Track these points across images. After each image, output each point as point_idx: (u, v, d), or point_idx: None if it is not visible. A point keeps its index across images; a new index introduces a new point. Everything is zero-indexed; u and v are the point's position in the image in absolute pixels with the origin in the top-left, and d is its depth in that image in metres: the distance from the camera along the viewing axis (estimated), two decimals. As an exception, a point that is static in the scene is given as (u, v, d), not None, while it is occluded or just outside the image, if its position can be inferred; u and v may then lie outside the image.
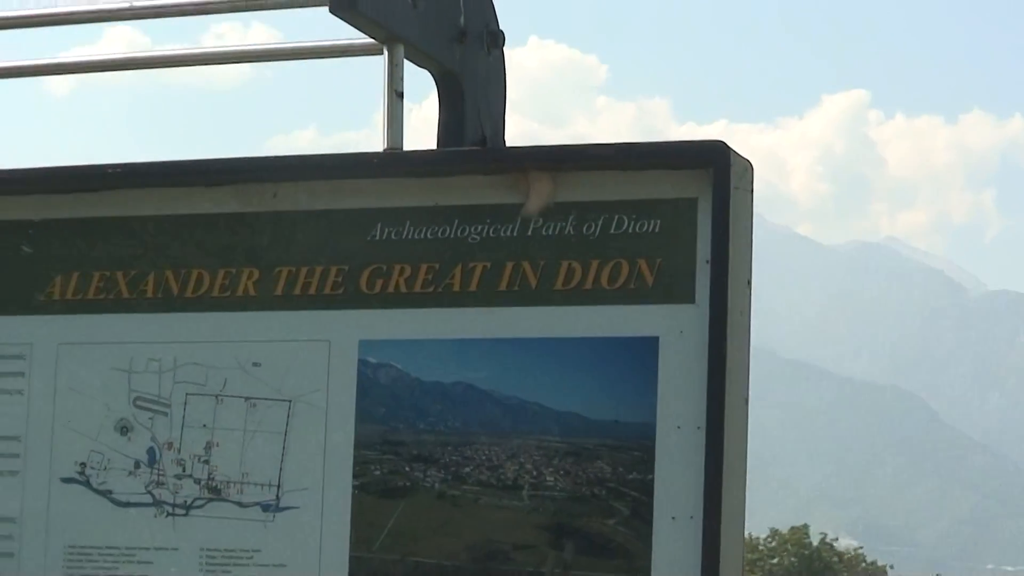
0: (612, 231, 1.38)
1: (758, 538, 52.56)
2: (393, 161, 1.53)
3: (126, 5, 1.52)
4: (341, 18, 1.42)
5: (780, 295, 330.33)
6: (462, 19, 1.59)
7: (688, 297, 1.35)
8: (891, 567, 59.75)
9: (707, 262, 1.34)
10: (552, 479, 1.37)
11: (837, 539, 57.11)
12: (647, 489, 1.33)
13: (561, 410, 1.39)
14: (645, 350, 1.37)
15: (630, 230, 1.38)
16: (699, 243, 1.36)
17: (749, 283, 1.42)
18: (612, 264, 1.39)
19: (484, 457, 1.41)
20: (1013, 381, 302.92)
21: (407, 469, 1.40)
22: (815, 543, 51.40)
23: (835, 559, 51.91)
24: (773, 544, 51.31)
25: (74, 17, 1.61)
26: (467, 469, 1.39)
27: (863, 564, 54.97)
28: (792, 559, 49.89)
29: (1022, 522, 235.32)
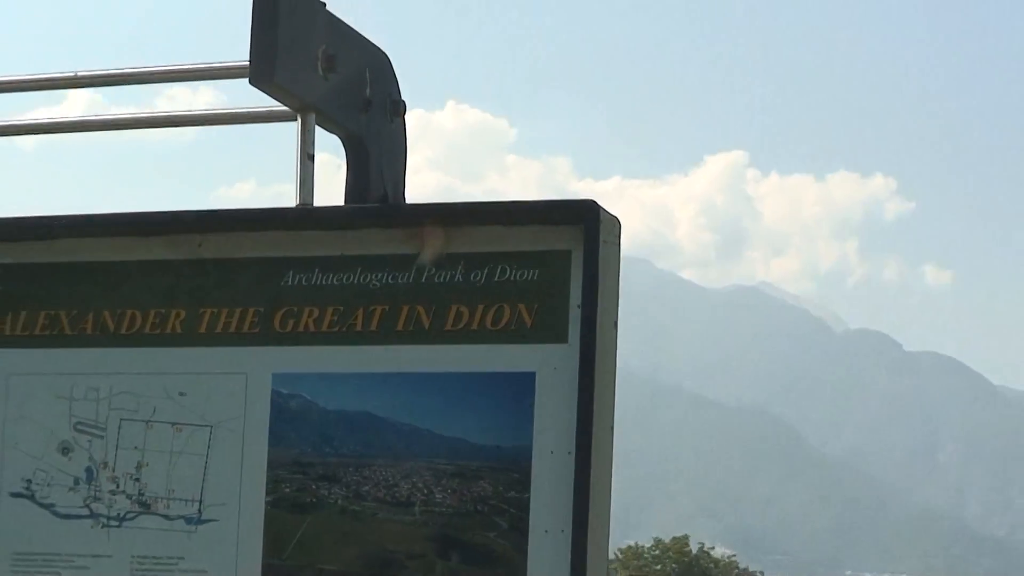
0: (496, 279, 1.53)
1: (643, 547, 57.71)
2: (303, 216, 1.66)
3: (71, 74, 1.65)
4: (259, 88, 1.55)
5: (665, 332, 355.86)
6: (368, 90, 1.69)
7: (562, 338, 1.50)
8: (761, 573, 63.39)
9: (578, 307, 1.48)
10: (440, 496, 1.51)
11: (714, 548, 61.50)
12: (524, 506, 1.47)
13: (449, 436, 1.53)
14: (523, 384, 1.51)
15: (512, 278, 1.53)
16: (572, 290, 1.50)
17: (615, 325, 1.55)
18: (495, 308, 1.53)
19: (381, 477, 1.54)
20: (870, 407, 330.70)
21: (313, 487, 1.55)
22: (694, 551, 56.56)
23: (711, 566, 56.66)
24: (657, 552, 55.75)
25: (27, 84, 1.78)
26: (366, 487, 1.53)
27: (736, 570, 59.73)
28: (674, 565, 54.48)
29: (877, 533, 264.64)
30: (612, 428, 1.55)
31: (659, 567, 56.20)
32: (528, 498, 1.48)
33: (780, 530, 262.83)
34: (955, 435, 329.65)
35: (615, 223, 1.56)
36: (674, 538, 59.25)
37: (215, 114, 1.94)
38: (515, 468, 1.50)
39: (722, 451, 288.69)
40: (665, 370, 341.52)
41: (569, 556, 1.43)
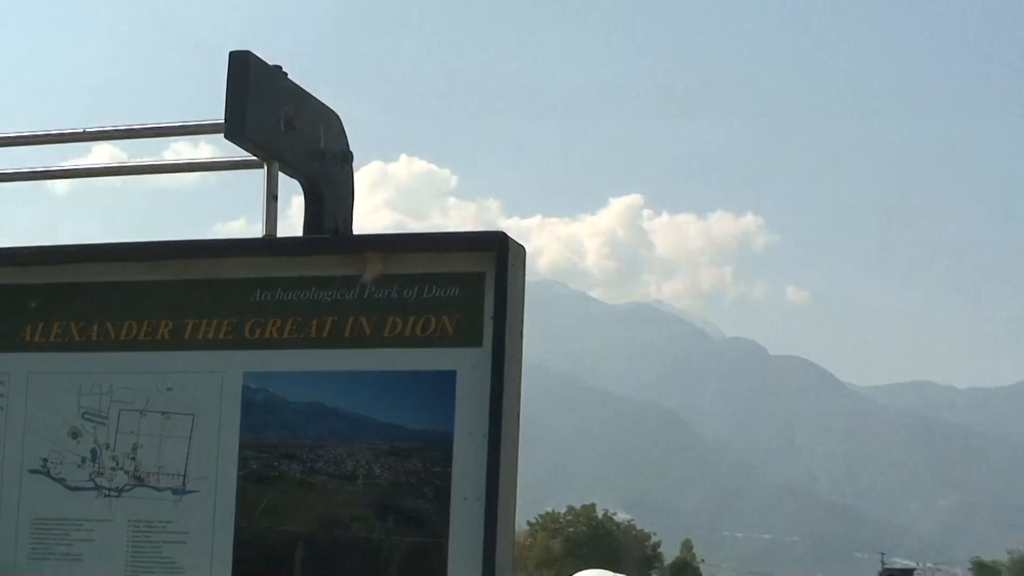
0: (424, 295, 1.78)
1: (559, 512, 72.80)
2: (268, 245, 1.89)
3: (80, 130, 1.89)
4: (233, 142, 1.77)
5: (577, 340, 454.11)
6: (322, 143, 1.90)
7: (477, 343, 1.75)
8: (654, 533, 77.44)
9: (491, 318, 1.73)
10: (379, 471, 1.75)
11: (616, 513, 77.88)
12: (446, 478, 1.72)
13: (386, 422, 1.77)
14: (447, 380, 1.76)
15: (437, 295, 1.78)
16: (486, 304, 1.75)
17: (521, 333, 1.77)
18: (424, 319, 1.78)
19: (331, 455, 1.77)
20: (741, 399, 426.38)
21: (276, 464, 1.80)
22: (600, 516, 71.69)
23: (614, 528, 72.43)
24: (570, 517, 71.03)
25: (50, 138, 2.07)
26: (319, 464, 1.78)
27: (634, 531, 76.00)
28: (583, 528, 68.94)
29: (747, 501, 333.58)
30: (518, 416, 1.76)
31: (572, 529, 69.31)
32: (450, 472, 1.73)
33: (669, 499, 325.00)
34: (809, 422, 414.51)
35: (521, 250, 1.79)
36: (583, 506, 74.21)
37: (198, 162, 2.10)
38: (440, 448, 1.75)
39: (623, 435, 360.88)
40: (577, 370, 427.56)
41: (483, 518, 1.69)
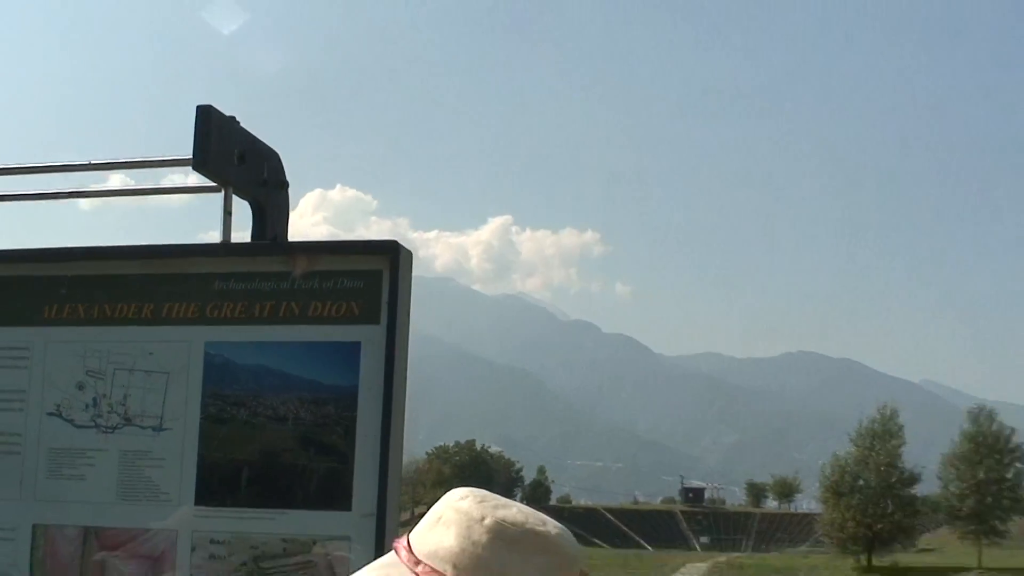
0: (339, 286, 2.21)
1: (448, 446, 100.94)
2: (225, 248, 2.33)
3: (87, 162, 2.51)
4: (199, 172, 2.21)
5: (462, 318, 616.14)
6: (264, 174, 2.35)
7: (376, 321, 2.18)
8: (518, 461, 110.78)
9: (386, 303, 2.17)
10: (304, 415, 2.19)
11: (490, 447, 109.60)
12: (353, 420, 2.16)
13: (310, 379, 2.21)
14: (354, 349, 2.20)
15: (347, 286, 2.20)
16: (382, 293, 2.18)
17: (408, 314, 2.16)
18: (338, 304, 2.20)
19: (269, 403, 2.21)
20: (583, 364, 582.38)
21: (229, 409, 2.23)
22: (479, 449, 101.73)
23: (488, 458, 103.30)
24: (456, 450, 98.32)
25: (43, 169, 2.58)
26: (260, 409, 2.21)
27: (503, 460, 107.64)
28: (466, 457, 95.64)
29: (585, 438, 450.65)
30: (405, 375, 2.18)
31: (457, 458, 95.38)
32: (355, 415, 2.19)
33: (529, 436, 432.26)
34: (631, 381, 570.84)
35: (408, 254, 2.24)
36: (467, 441, 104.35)
37: (171, 188, 2.58)
38: (348, 398, 2.21)
39: (496, 390, 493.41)
40: (463, 342, 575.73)
41: (379, 449, 2.14)
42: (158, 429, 2.31)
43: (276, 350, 2.29)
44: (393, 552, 1.30)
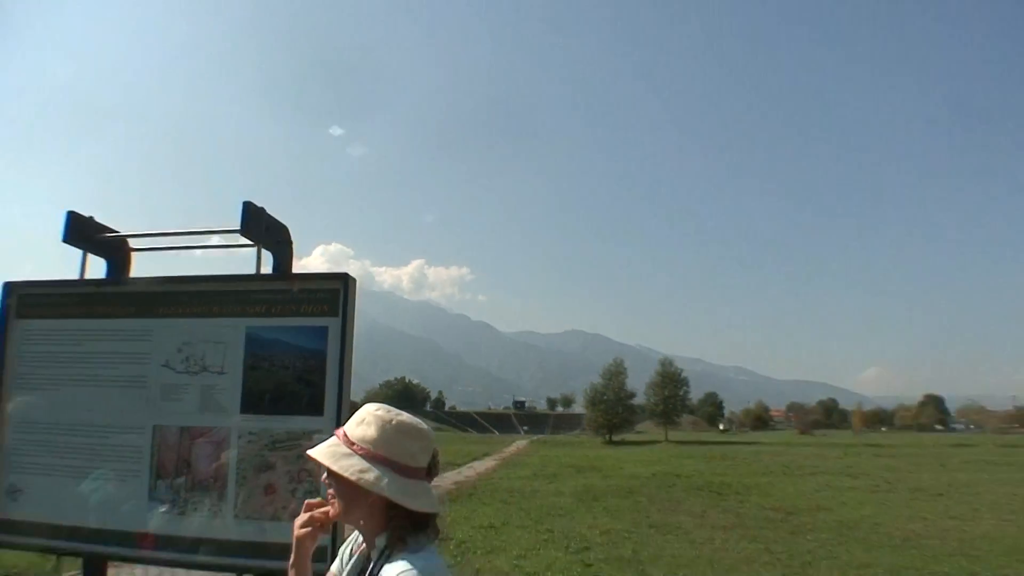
0: (316, 296, 3.70)
1: (391, 380, 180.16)
2: (257, 276, 3.94)
3: (155, 232, 4.52)
4: (245, 237, 3.70)
5: (400, 313, 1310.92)
6: (279, 237, 3.75)
7: (337, 314, 3.64)
8: (428, 388, 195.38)
9: (341, 305, 3.66)
10: (298, 364, 3.66)
11: (413, 380, 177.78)
12: (323, 368, 3.65)
13: (301, 345, 3.67)
14: (324, 330, 3.67)
15: (321, 296, 3.68)
16: (339, 300, 3.64)
17: (354, 310, 3.67)
18: (316, 305, 3.68)
19: (279, 358, 3.67)
20: (461, 334, 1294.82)
21: (258, 361, 3.76)
22: (407, 382, 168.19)
23: (413, 387, 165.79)
24: (395, 382, 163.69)
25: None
26: (275, 361, 3.67)
27: (419, 388, 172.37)
28: (401, 387, 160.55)
29: (463, 375, 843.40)
30: (352, 344, 3.75)
31: (397, 386, 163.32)
32: (324, 365, 3.62)
33: (434, 376, 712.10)
34: (487, 345, 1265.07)
35: (354, 279, 3.67)
36: (397, 378, 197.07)
37: (232, 244, 3.96)
38: (321, 355, 3.63)
39: (417, 352, 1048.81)
40: (398, 325, 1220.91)
41: (337, 382, 3.59)
42: (221, 373, 3.84)
43: (284, 330, 3.80)
44: (335, 437, 2.09)
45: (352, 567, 2.17)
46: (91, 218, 4.20)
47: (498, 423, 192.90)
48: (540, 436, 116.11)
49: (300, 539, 2.16)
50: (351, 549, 2.23)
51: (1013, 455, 46.51)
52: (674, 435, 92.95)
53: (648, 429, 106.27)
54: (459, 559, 11.77)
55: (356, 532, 2.21)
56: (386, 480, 1.99)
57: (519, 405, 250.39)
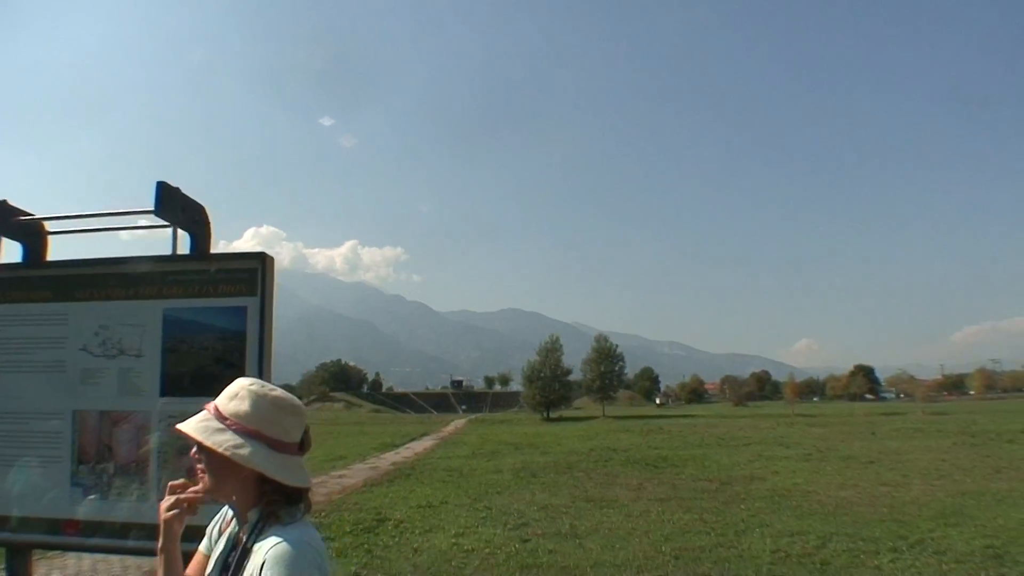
0: (235, 276, 3.69)
1: (328, 363, 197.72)
2: (174, 257, 4.00)
3: (74, 215, 4.50)
4: (160, 217, 3.84)
5: (334, 295, 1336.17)
6: (195, 217, 3.75)
7: (255, 294, 3.66)
8: (365, 369, 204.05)
9: (259, 284, 3.71)
10: (217, 344, 3.65)
11: (350, 362, 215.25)
12: (244, 348, 3.63)
13: (220, 325, 3.66)
14: (243, 309, 3.67)
15: (240, 276, 3.68)
16: (258, 279, 3.65)
17: (272, 292, 3.74)
18: (235, 285, 3.68)
19: (198, 339, 3.68)
20: (399, 317, 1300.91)
21: (177, 343, 3.74)
22: (343, 363, 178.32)
23: (349, 368, 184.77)
24: (331, 364, 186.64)
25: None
26: (193, 343, 3.68)
27: (356, 369, 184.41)
28: (337, 368, 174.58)
29: (400, 359, 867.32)
30: (272, 323, 3.97)
31: (333, 368, 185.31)
32: (244, 345, 3.65)
33: (370, 356, 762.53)
34: (423, 325, 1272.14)
35: (271, 258, 3.70)
36: (336, 359, 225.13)
37: (147, 225, 4.28)
38: (240, 335, 3.65)
39: (352, 334, 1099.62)
40: (333, 306, 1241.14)
41: (257, 361, 3.70)
42: (139, 356, 3.85)
43: (202, 311, 3.81)
44: (206, 411, 2.04)
45: (222, 544, 2.13)
46: (4, 201, 4.14)
47: (436, 403, 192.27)
48: (478, 415, 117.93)
49: (168, 522, 2.13)
50: (219, 527, 2.22)
51: (941, 423, 48.44)
52: (611, 410, 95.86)
53: (585, 405, 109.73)
54: (397, 539, 11.87)
55: (224, 509, 2.21)
56: (260, 455, 1.96)
57: (457, 385, 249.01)
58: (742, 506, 14.77)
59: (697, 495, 16.55)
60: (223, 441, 1.95)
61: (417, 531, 12.48)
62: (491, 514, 14.11)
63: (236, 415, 2.00)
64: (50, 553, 10.01)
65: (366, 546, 11.29)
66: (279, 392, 2.07)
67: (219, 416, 2.01)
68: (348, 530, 12.57)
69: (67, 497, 3.86)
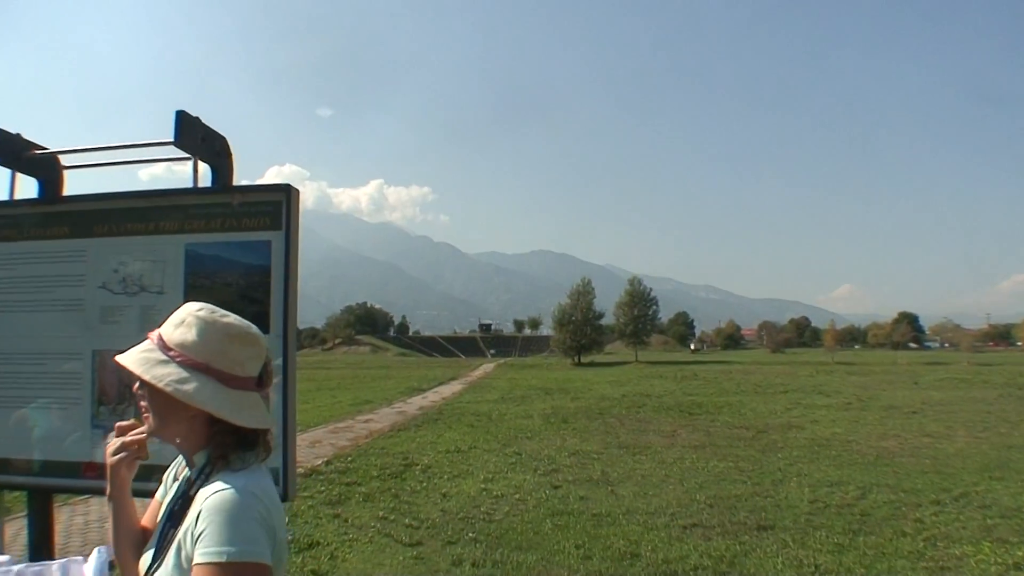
0: (259, 210, 3.53)
1: (353, 305, 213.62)
2: (196, 190, 3.88)
3: (92, 147, 4.34)
4: (179, 148, 3.63)
5: (360, 236, 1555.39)
6: (217, 146, 3.65)
7: (280, 228, 3.50)
8: (391, 313, 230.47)
9: (284, 218, 3.57)
10: (241, 280, 3.59)
11: (375, 305, 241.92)
12: (268, 282, 3.53)
13: (244, 261, 3.54)
14: (267, 244, 3.52)
15: (264, 209, 3.48)
16: (283, 212, 3.52)
17: (298, 223, 3.75)
18: (258, 219, 3.49)
19: (221, 275, 3.59)
20: (423, 257, 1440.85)
21: (200, 280, 3.68)
22: (369, 306, 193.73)
23: (375, 311, 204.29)
24: (357, 307, 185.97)
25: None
26: (217, 279, 3.67)
27: (383, 312, 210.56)
28: (363, 311, 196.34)
29: (429, 298, 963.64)
30: (297, 258, 3.81)
31: (359, 311, 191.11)
32: (269, 280, 3.53)
33: (397, 299, 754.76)
34: (450, 267, 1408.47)
35: (297, 191, 3.55)
36: (362, 302, 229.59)
37: (165, 158, 3.91)
38: (265, 270, 3.52)
39: (378, 276, 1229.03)
40: (359, 248, 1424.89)
41: (283, 298, 3.53)
42: (160, 293, 3.80)
43: (224, 246, 3.72)
44: (149, 340, 1.87)
45: (175, 491, 1.96)
46: (18, 135, 4.08)
47: (464, 347, 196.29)
48: (507, 359, 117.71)
49: (114, 467, 1.97)
50: (175, 472, 2.06)
51: (987, 373, 48.02)
52: (644, 355, 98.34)
53: (618, 350, 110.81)
54: (425, 484, 11.98)
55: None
56: (207, 391, 1.78)
57: (485, 328, 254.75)
58: (779, 455, 14.75)
59: (733, 443, 16.54)
60: (164, 375, 1.77)
61: (445, 476, 12.59)
62: (521, 460, 14.20)
63: (182, 345, 1.81)
64: (73, 499, 10.20)
65: (393, 491, 11.41)
66: (232, 318, 1.88)
67: (163, 346, 1.82)
68: (375, 475, 12.71)
69: (88, 440, 3.83)
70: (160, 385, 1.74)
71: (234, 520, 1.64)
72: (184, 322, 1.83)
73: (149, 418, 1.84)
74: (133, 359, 1.80)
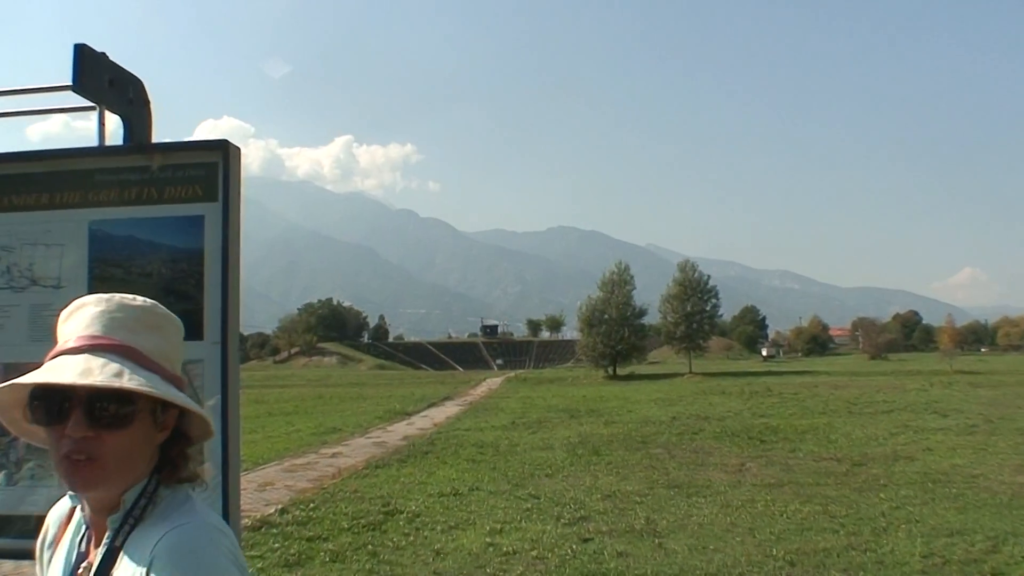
0: (186, 175, 3.49)
1: (313, 303, 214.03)
2: (101, 150, 3.77)
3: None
4: (79, 95, 3.54)
5: (321, 211, 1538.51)
6: (131, 94, 3.61)
7: (215, 199, 3.44)
8: (363, 312, 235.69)
9: (222, 185, 3.46)
10: (164, 271, 3.42)
11: (343, 302, 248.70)
12: (201, 272, 3.47)
13: (168, 244, 3.47)
14: (200, 220, 3.46)
15: (193, 174, 3.46)
16: (219, 177, 3.45)
17: (239, 192, 3.59)
18: (187, 187, 3.41)
19: (138, 264, 3.46)
20: (405, 240, 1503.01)
21: (109, 269, 3.52)
22: (335, 304, 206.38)
23: (343, 310, 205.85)
24: (319, 306, 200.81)
25: None
26: (132, 268, 3.45)
27: (353, 311, 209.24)
28: (327, 311, 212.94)
29: (412, 291, 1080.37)
30: (239, 238, 3.49)
31: (321, 311, 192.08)
32: (202, 269, 3.50)
33: (372, 294, 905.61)
34: (442, 250, 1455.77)
35: (237, 149, 3.51)
36: (324, 300, 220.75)
37: (61, 108, 3.90)
38: (197, 256, 3.50)
39: (345, 263, 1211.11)
40: (320, 227, 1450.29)
41: (220, 294, 3.49)
42: (57, 287, 3.70)
43: (142, 224, 3.67)
44: (107, 352, 1.82)
45: (62, 563, 1.90)
46: None
47: (462, 356, 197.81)
48: (519, 371, 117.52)
49: None
50: (48, 539, 2.02)
51: None
52: (700, 365, 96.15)
53: (665, 358, 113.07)
54: (412, 538, 11.98)
55: (53, 512, 2.04)
56: (185, 394, 1.89)
57: (490, 331, 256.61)
58: (882, 495, 14.71)
59: (820, 480, 16.51)
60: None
61: (439, 527, 12.59)
62: (539, 504, 14.20)
63: (160, 351, 1.84)
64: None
65: (370, 547, 11.42)
66: (153, 303, 1.95)
67: (132, 355, 1.76)
68: (346, 526, 12.73)
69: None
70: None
71: (205, 563, 1.64)
72: (144, 322, 1.85)
73: (98, 465, 1.69)
74: (106, 376, 1.69)
